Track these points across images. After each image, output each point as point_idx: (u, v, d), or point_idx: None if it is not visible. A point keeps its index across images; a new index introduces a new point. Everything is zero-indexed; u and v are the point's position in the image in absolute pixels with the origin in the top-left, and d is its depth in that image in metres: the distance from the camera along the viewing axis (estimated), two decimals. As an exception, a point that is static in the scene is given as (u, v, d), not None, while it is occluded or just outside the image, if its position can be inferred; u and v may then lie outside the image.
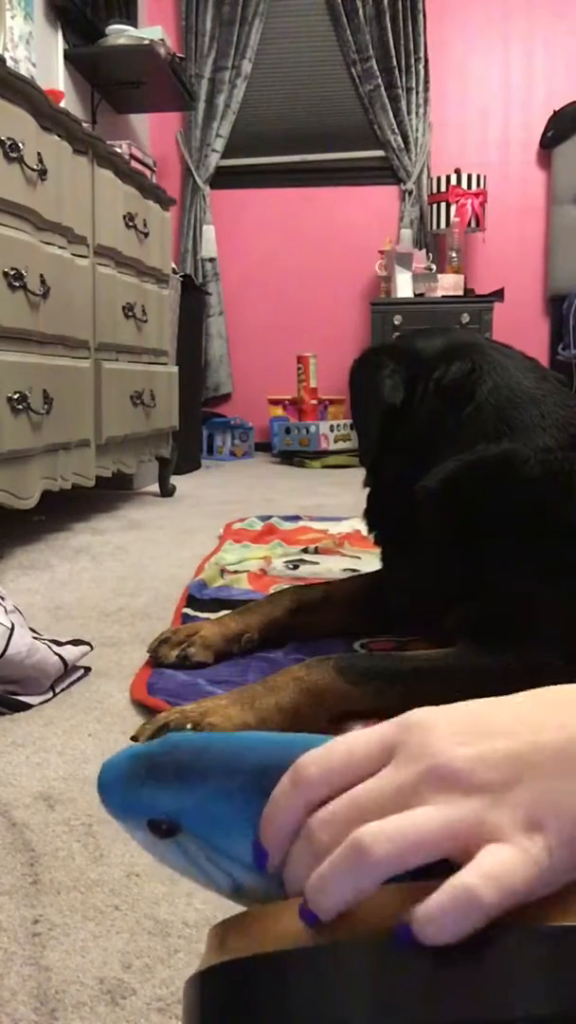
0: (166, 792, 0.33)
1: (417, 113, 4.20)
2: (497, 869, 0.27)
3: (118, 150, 2.34)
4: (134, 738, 0.84)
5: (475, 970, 0.26)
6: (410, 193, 4.24)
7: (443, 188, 4.07)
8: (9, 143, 1.62)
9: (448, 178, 4.05)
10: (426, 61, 4.16)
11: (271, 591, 1.22)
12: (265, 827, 0.33)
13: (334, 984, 0.26)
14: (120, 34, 3.14)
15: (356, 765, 0.32)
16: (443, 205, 4.08)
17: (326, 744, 0.32)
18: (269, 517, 2.17)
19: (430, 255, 4.14)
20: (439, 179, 4.10)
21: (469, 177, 4.04)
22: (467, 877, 0.27)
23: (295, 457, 3.91)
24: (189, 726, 0.82)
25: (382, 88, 4.17)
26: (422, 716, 0.32)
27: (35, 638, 1.00)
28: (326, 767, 0.32)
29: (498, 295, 3.78)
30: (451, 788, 0.30)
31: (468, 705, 0.33)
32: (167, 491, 2.78)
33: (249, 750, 0.34)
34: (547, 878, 0.28)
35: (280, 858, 0.33)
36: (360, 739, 0.32)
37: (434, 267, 4.00)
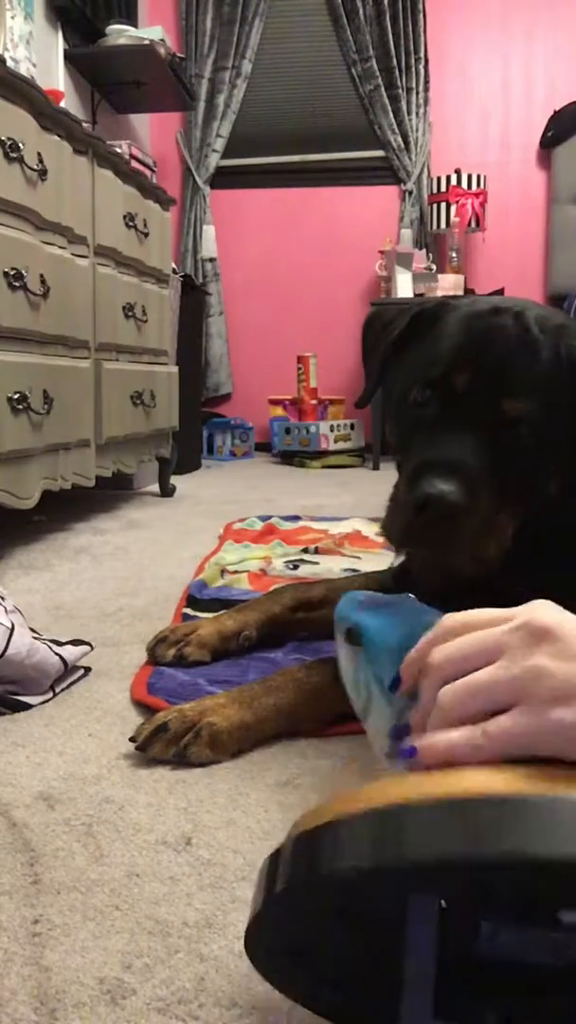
0: (366, 615, 0.51)
1: (417, 113, 4.20)
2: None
3: (118, 150, 2.34)
4: (133, 739, 0.84)
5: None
6: (410, 193, 4.24)
7: (443, 188, 4.07)
8: (9, 143, 1.62)
9: (448, 178, 4.05)
10: (426, 61, 4.16)
11: (271, 590, 1.22)
12: (407, 664, 0.46)
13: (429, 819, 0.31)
14: (120, 34, 3.14)
15: (478, 646, 0.42)
16: (443, 205, 4.08)
17: (464, 622, 0.44)
18: (269, 517, 2.17)
19: (430, 255, 4.14)
20: (439, 179, 4.10)
21: (469, 177, 4.04)
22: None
23: (295, 457, 3.91)
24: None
25: (382, 88, 4.17)
26: (543, 621, 0.40)
27: (35, 638, 1.00)
28: (457, 635, 0.43)
29: (498, 295, 3.79)
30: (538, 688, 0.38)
31: None
32: (167, 491, 2.78)
33: (424, 612, 0.50)
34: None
35: (408, 688, 0.46)
36: (488, 631, 0.42)
37: (434, 267, 4.00)
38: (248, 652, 1.11)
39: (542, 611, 0.41)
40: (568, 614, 0.41)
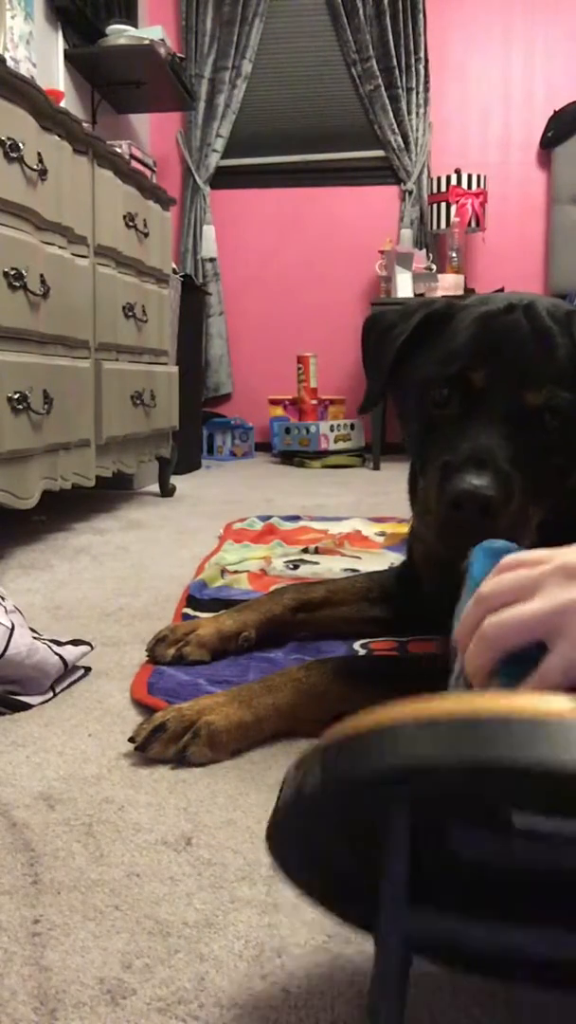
0: (483, 555, 0.54)
1: (417, 113, 4.20)
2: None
3: (118, 150, 2.34)
4: (132, 739, 0.84)
5: None
6: (410, 193, 4.24)
7: (443, 188, 4.07)
8: (9, 143, 1.62)
9: (448, 178, 4.05)
10: (426, 61, 4.16)
11: (271, 590, 1.22)
12: (457, 631, 0.49)
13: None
14: (120, 34, 3.14)
15: (517, 582, 0.46)
16: (443, 205, 4.08)
17: (518, 560, 0.48)
18: (269, 517, 2.17)
19: (430, 255, 4.14)
20: (439, 179, 4.10)
21: (469, 177, 4.04)
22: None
23: (295, 457, 3.91)
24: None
25: (382, 88, 4.17)
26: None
27: (35, 638, 1.00)
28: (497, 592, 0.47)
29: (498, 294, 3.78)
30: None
31: None
32: (167, 491, 2.78)
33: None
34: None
35: (462, 655, 0.48)
36: (528, 570, 0.46)
37: (434, 267, 4.00)
38: (248, 652, 1.11)
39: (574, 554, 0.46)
40: None
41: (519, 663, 0.44)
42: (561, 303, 0.91)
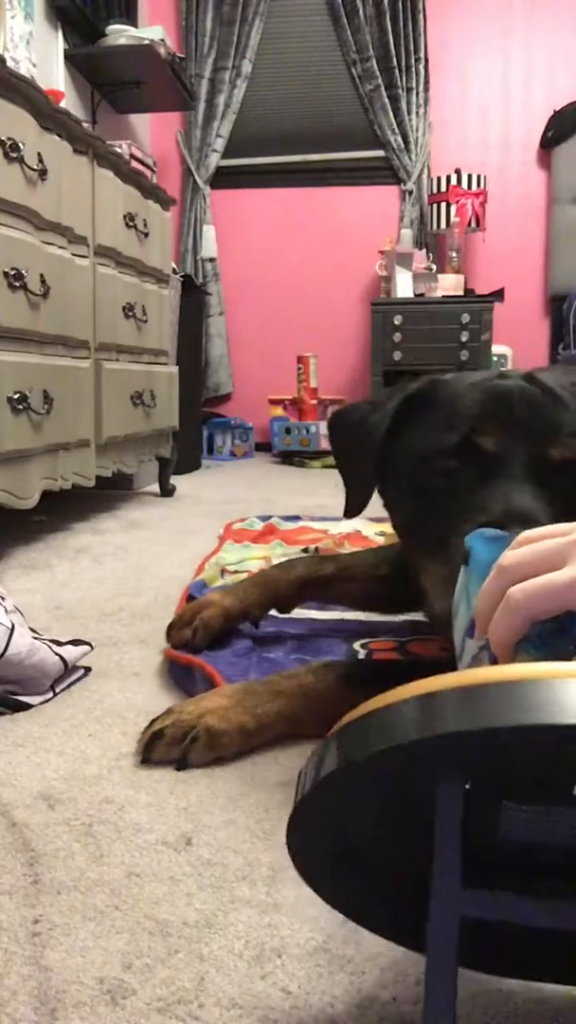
0: (482, 542, 0.54)
1: (417, 113, 4.20)
2: None
3: (118, 150, 2.34)
4: (150, 749, 0.82)
5: None
6: (410, 193, 4.24)
7: (443, 188, 4.07)
8: (9, 143, 1.62)
9: (448, 178, 4.05)
10: (426, 61, 4.16)
11: (282, 562, 1.23)
12: (477, 606, 0.48)
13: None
14: (120, 34, 3.14)
15: (544, 552, 0.45)
16: (443, 205, 4.08)
17: (541, 532, 0.47)
18: (269, 517, 2.16)
19: (430, 255, 4.14)
20: (439, 179, 4.10)
21: (469, 177, 4.04)
22: None
23: (295, 457, 3.91)
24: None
25: (382, 88, 4.17)
26: None
27: (35, 638, 1.00)
28: (521, 562, 0.46)
29: (498, 295, 3.78)
30: None
31: None
32: (167, 491, 2.78)
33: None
34: None
35: (482, 632, 0.47)
36: (555, 540, 0.46)
37: (434, 267, 4.00)
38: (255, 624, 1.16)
39: None
40: None
41: (548, 634, 0.44)
42: (564, 373, 0.87)
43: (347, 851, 0.42)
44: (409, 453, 0.85)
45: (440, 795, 0.36)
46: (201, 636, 1.09)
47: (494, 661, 0.46)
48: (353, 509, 0.96)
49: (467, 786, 0.35)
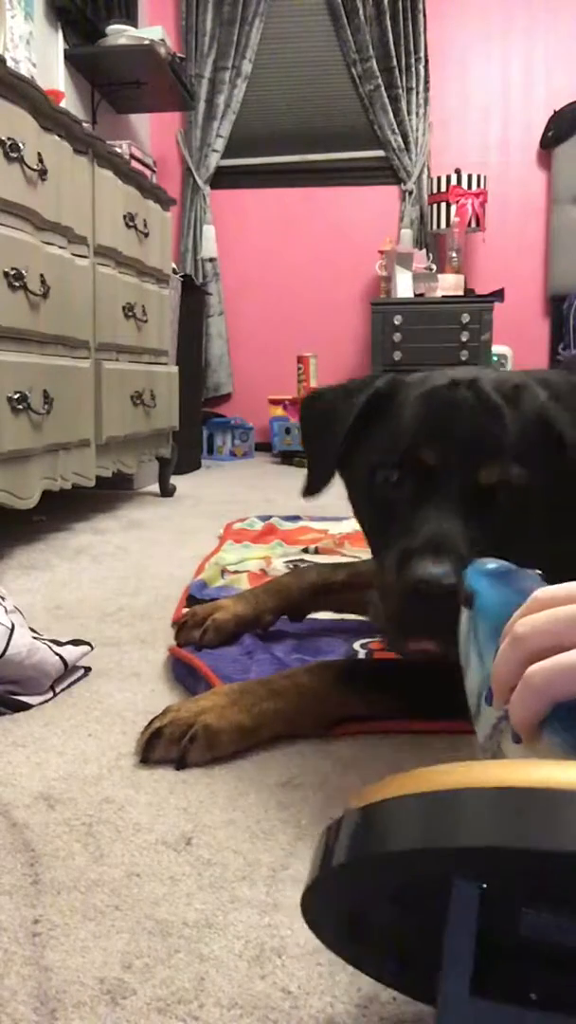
0: (486, 582, 0.52)
1: (417, 113, 4.20)
2: None
3: (118, 150, 2.34)
4: (149, 749, 0.82)
5: None
6: (410, 193, 4.24)
7: (443, 188, 4.07)
8: (9, 143, 1.62)
9: (448, 178, 4.05)
10: (426, 61, 4.16)
11: (295, 571, 1.24)
12: (494, 675, 0.44)
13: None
14: (120, 34, 3.14)
15: (561, 632, 0.41)
16: (443, 205, 4.08)
17: (553, 595, 0.43)
18: (269, 517, 2.17)
19: (430, 255, 4.14)
20: (439, 179, 4.10)
21: (469, 177, 4.04)
22: None
23: (295, 457, 3.91)
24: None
25: (382, 88, 4.17)
26: None
27: (35, 638, 1.00)
28: (546, 608, 0.42)
29: (498, 295, 3.79)
30: None
31: None
32: (167, 491, 2.78)
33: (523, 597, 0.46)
34: None
35: (501, 702, 0.43)
36: (567, 609, 0.42)
37: (434, 267, 4.00)
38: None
39: None
40: None
41: (572, 711, 0.40)
42: (508, 377, 0.88)
43: (363, 922, 0.41)
44: (365, 458, 0.88)
45: (455, 894, 0.33)
46: (210, 638, 1.10)
47: (517, 740, 0.43)
48: (313, 489, 0.98)
49: (483, 886, 0.33)
